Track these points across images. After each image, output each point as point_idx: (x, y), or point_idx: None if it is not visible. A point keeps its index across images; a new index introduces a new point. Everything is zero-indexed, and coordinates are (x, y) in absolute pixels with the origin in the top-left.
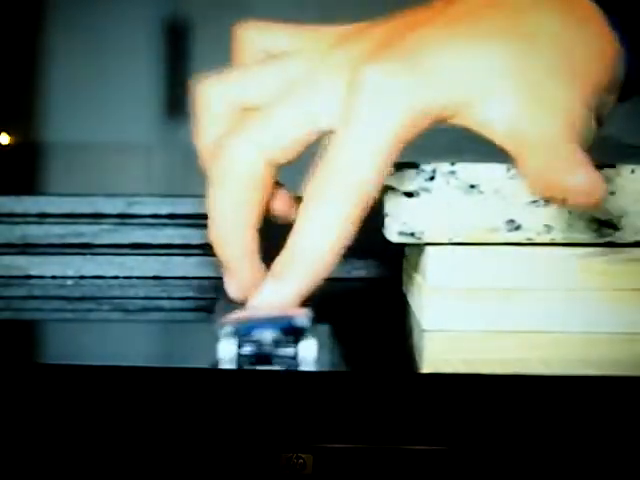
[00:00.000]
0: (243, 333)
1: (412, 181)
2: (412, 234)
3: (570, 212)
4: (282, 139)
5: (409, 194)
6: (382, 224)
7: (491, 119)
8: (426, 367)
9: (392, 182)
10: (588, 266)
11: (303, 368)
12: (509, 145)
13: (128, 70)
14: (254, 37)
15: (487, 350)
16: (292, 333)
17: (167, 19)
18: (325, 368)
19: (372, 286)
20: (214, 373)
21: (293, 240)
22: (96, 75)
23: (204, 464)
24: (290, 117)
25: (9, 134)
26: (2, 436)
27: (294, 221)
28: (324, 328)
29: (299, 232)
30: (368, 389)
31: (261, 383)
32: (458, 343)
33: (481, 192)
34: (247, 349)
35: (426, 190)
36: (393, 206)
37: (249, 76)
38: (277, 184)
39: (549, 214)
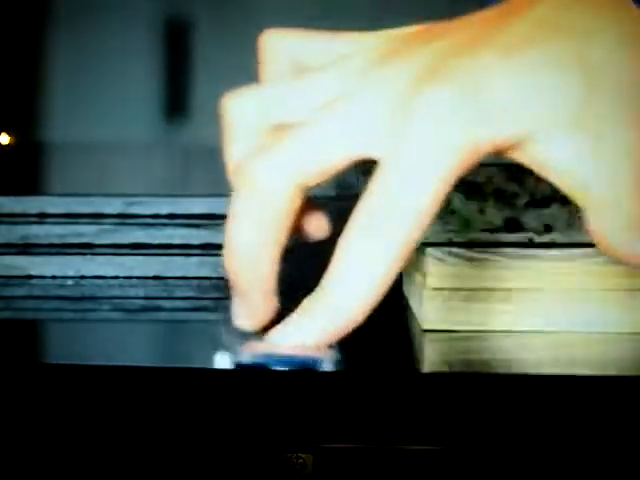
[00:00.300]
0: (259, 368)
1: None
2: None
3: (570, 212)
4: (315, 164)
5: None
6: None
7: (551, 160)
8: (426, 367)
9: None
10: (588, 266)
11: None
12: (571, 194)
13: (128, 70)
14: (280, 46)
15: (487, 350)
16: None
17: (167, 19)
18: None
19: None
20: (214, 373)
21: (331, 275)
22: (96, 75)
23: (204, 464)
24: (325, 140)
25: (9, 134)
26: (3, 435)
27: (319, 239)
28: None
29: (338, 267)
30: (368, 389)
31: (261, 383)
32: (458, 343)
33: (481, 192)
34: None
35: None
36: None
37: (282, 91)
38: (306, 200)
39: (549, 214)
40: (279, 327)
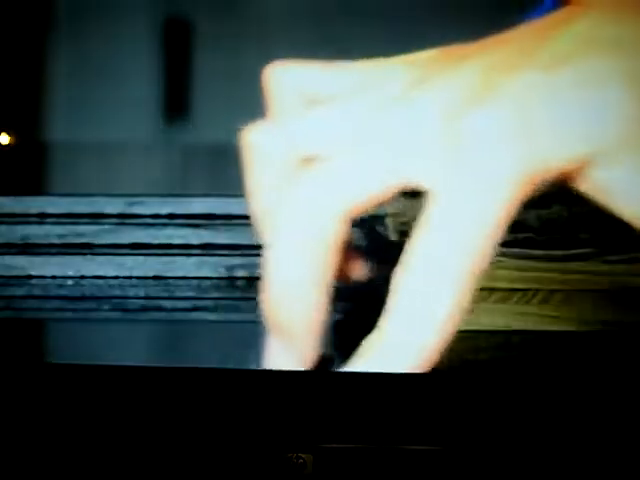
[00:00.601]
0: None
1: None
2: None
3: (570, 212)
4: (359, 190)
5: (409, 194)
6: (382, 224)
7: (613, 184)
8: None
9: None
10: (587, 267)
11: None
12: (637, 221)
13: (129, 71)
14: (286, 79)
15: (487, 350)
16: None
17: (167, 19)
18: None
19: (372, 285)
20: (214, 373)
21: (390, 317)
22: (97, 76)
23: (204, 464)
24: (369, 166)
25: (10, 134)
26: (4, 434)
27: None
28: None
29: (400, 310)
30: (368, 389)
31: (261, 383)
32: (457, 343)
33: None
34: None
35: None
36: (393, 206)
37: (306, 121)
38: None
39: (549, 214)
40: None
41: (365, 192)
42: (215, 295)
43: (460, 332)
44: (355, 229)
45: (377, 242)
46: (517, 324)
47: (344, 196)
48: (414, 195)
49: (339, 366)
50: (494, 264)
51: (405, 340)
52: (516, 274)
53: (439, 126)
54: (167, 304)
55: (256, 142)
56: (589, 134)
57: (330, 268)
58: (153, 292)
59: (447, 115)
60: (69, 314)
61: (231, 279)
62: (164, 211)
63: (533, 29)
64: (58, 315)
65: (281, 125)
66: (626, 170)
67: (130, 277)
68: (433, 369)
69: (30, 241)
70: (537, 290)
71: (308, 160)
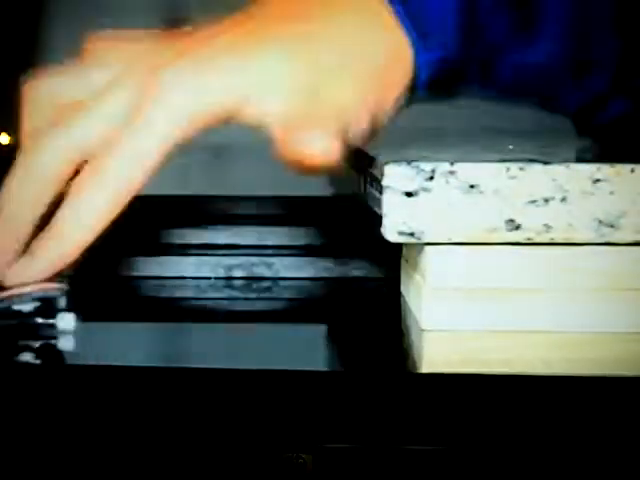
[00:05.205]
0: (3, 308)
1: (411, 181)
2: (412, 234)
3: (570, 212)
4: (83, 139)
5: (409, 194)
6: (381, 224)
7: (265, 115)
8: (425, 367)
9: (391, 182)
10: (588, 266)
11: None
12: (272, 127)
13: None
14: (40, 92)
15: (486, 350)
16: (48, 303)
17: (168, 19)
18: (325, 368)
19: (371, 286)
20: (214, 373)
21: (56, 219)
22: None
23: (205, 464)
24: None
25: (9, 134)
26: (6, 434)
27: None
28: (324, 328)
29: (64, 212)
30: (367, 389)
31: (261, 383)
32: (457, 343)
33: (481, 192)
34: (8, 322)
35: (426, 190)
36: (392, 206)
37: (70, 76)
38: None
39: (549, 214)
40: (12, 268)
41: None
42: (215, 295)
43: None
44: (355, 228)
45: (376, 241)
46: None
47: (73, 144)
48: (413, 195)
49: None
50: None
51: (61, 241)
52: None
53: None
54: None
55: (27, 89)
56: (244, 82)
57: (49, 197)
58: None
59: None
60: None
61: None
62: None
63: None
64: None
65: (49, 76)
66: (272, 108)
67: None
68: (433, 369)
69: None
70: None
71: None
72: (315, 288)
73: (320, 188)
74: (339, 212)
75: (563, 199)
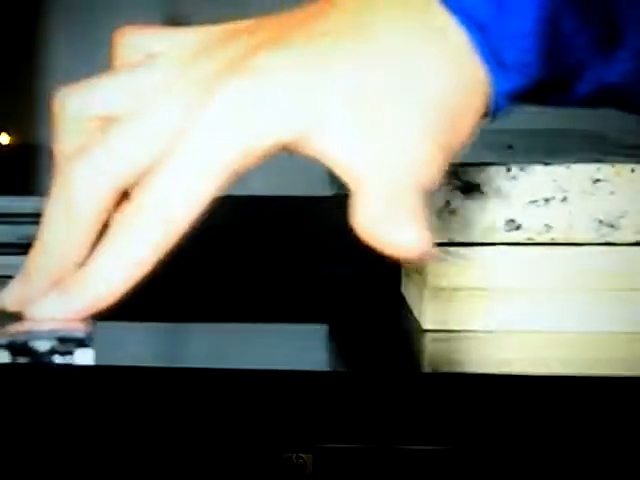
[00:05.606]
0: (19, 344)
1: None
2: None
3: (570, 212)
4: (124, 164)
5: None
6: None
7: (330, 148)
8: (426, 367)
9: None
10: (588, 266)
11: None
12: (347, 178)
13: None
14: (130, 42)
15: (486, 350)
16: (69, 342)
17: (167, 19)
18: (325, 368)
19: (372, 286)
20: (214, 373)
21: (94, 260)
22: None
23: (205, 464)
24: (133, 140)
25: (9, 134)
26: (7, 435)
27: None
28: (324, 327)
29: (103, 253)
30: (368, 389)
31: (261, 383)
32: (458, 343)
33: (481, 192)
34: (22, 359)
35: None
36: None
37: (104, 85)
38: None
39: (549, 214)
40: (40, 301)
41: (131, 163)
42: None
43: None
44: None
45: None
46: None
47: (113, 167)
48: None
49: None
50: None
51: (96, 281)
52: None
53: (207, 89)
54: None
55: (56, 103)
56: (303, 109)
57: (91, 233)
58: None
59: (202, 88)
60: None
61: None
62: None
63: (304, 11)
64: None
65: (82, 87)
66: (336, 139)
67: None
68: (433, 369)
69: (30, 241)
70: None
71: (105, 120)
72: (315, 288)
73: (320, 188)
74: (339, 212)
75: (563, 199)
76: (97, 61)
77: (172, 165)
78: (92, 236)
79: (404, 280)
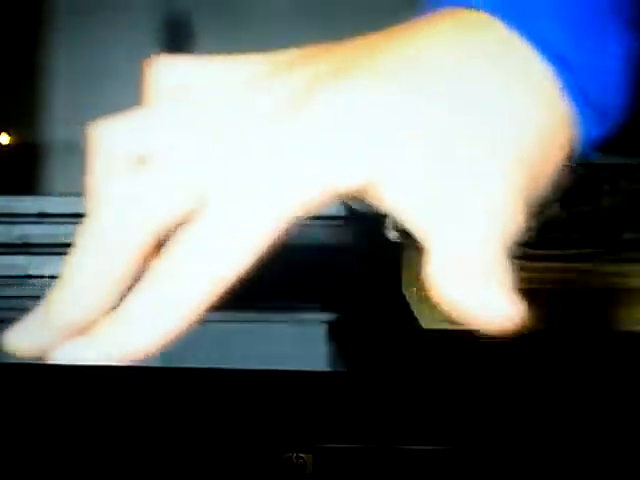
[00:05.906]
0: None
1: None
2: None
3: (569, 213)
4: (163, 209)
5: None
6: (382, 224)
7: (400, 200)
8: (425, 367)
9: None
10: (586, 266)
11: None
12: (417, 233)
13: (128, 70)
14: (162, 72)
15: (486, 350)
16: None
17: (167, 19)
18: (325, 368)
19: (372, 286)
20: (213, 373)
21: (125, 303)
22: (96, 75)
23: (204, 464)
24: (171, 184)
25: (9, 134)
26: (6, 435)
27: None
28: (324, 327)
29: (142, 298)
30: (368, 389)
31: (261, 383)
32: (457, 343)
33: None
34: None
35: None
36: None
37: (142, 119)
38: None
39: (549, 214)
40: (64, 346)
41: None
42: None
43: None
44: (355, 228)
45: (377, 241)
46: None
47: (153, 211)
48: None
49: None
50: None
51: (146, 320)
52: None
53: (260, 131)
54: None
55: (95, 136)
56: (372, 156)
57: (126, 277)
58: None
59: (268, 123)
60: None
61: None
62: None
63: (374, 37)
64: None
65: (119, 121)
66: (406, 189)
67: None
68: (434, 368)
69: (29, 241)
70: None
71: (144, 157)
72: (315, 287)
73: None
74: (339, 212)
75: (564, 200)
76: (97, 61)
77: (217, 214)
78: (125, 285)
79: (404, 280)
